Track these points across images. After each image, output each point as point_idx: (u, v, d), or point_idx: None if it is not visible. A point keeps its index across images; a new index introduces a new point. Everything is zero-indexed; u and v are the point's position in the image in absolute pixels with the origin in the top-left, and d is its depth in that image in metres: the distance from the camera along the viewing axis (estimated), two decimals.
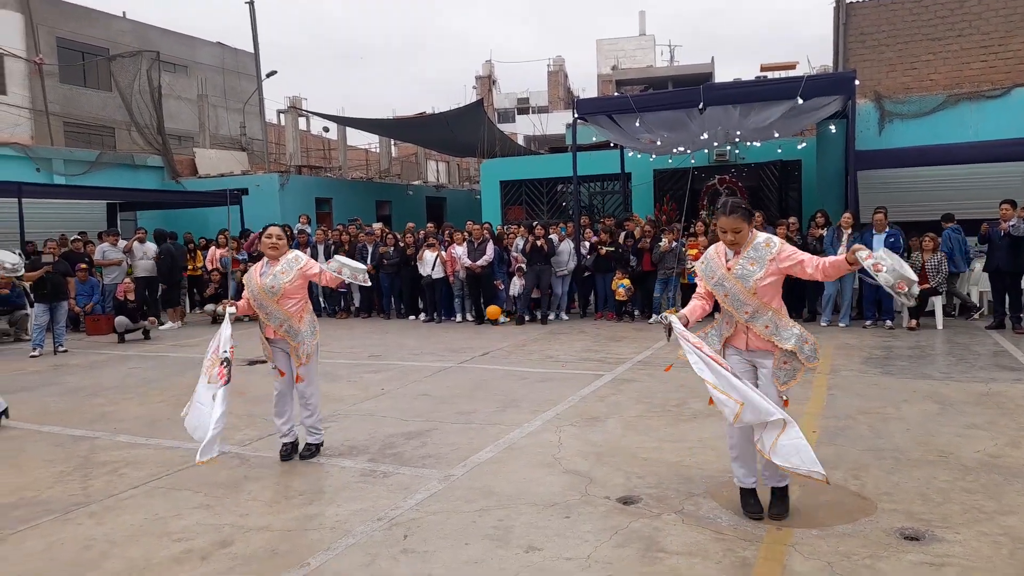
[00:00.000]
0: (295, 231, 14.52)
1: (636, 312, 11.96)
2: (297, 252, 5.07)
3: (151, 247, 13.05)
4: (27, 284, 10.99)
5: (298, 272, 4.92)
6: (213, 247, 14.37)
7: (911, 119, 12.94)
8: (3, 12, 23.65)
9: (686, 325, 3.74)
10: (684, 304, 11.74)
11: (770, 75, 17.76)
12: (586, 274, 12.31)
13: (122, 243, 13.21)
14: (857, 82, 11.12)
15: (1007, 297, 9.81)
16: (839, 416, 5.71)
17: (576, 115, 12.82)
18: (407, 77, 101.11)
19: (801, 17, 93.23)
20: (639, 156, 15.53)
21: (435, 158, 30.98)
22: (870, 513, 3.82)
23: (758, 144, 14.61)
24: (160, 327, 12.51)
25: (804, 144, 15.18)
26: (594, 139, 16.29)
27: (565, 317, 12.31)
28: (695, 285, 4.09)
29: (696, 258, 10.88)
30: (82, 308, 12.35)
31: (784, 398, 3.78)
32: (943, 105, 12.77)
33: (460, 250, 12.10)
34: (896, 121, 13.04)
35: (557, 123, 33.06)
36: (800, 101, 10.75)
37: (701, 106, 11.21)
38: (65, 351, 10.36)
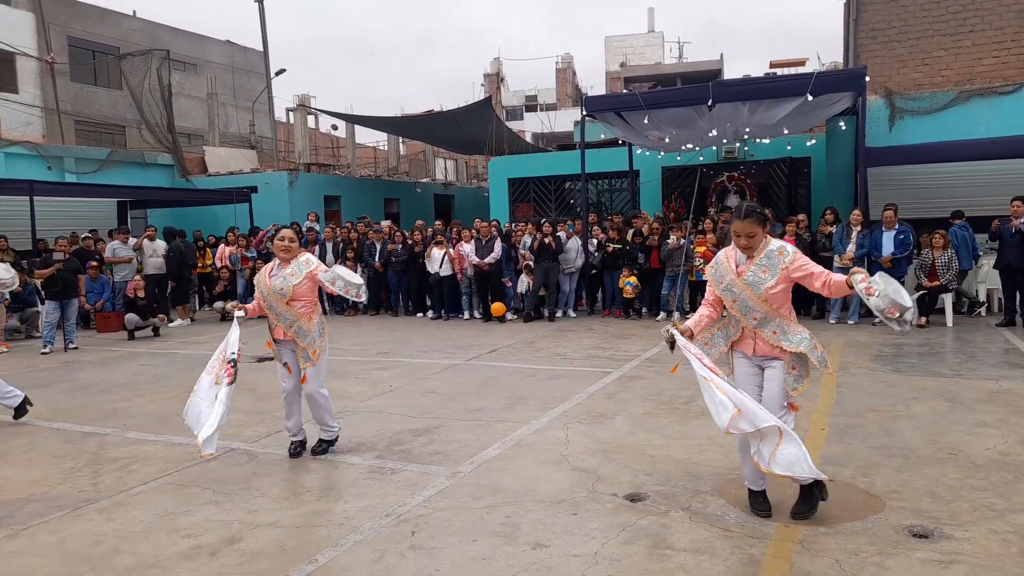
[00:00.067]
0: (304, 229, 14.57)
1: (644, 309, 11.95)
2: (309, 255, 5.07)
3: (161, 245, 13.13)
4: (38, 281, 11.08)
5: (307, 275, 4.94)
6: (222, 245, 14.43)
7: (922, 115, 12.85)
8: (15, 11, 23.83)
9: (690, 338, 3.78)
10: (692, 301, 11.76)
11: (780, 72, 17.68)
12: (594, 271, 12.30)
13: (132, 241, 13.29)
14: (867, 78, 11.05)
15: (1018, 294, 9.75)
16: (848, 414, 5.68)
17: (584, 112, 12.81)
18: (416, 74, 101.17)
19: (811, 13, 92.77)
20: (647, 153, 15.48)
21: (443, 156, 31.01)
22: (879, 511, 3.81)
23: (767, 141, 14.55)
24: (169, 324, 12.58)
25: (814, 141, 15.10)
26: (602, 136, 16.26)
27: (573, 314, 12.30)
28: (703, 282, 4.09)
29: (704, 255, 10.91)
30: (92, 305, 12.43)
31: (790, 401, 3.77)
32: (954, 101, 12.67)
33: (468, 248, 12.12)
34: (907, 117, 12.95)
35: (565, 120, 33.01)
36: (810, 98, 10.69)
37: (710, 103, 11.17)
38: (76, 348, 10.44)
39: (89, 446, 5.56)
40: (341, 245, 13.58)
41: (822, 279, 3.60)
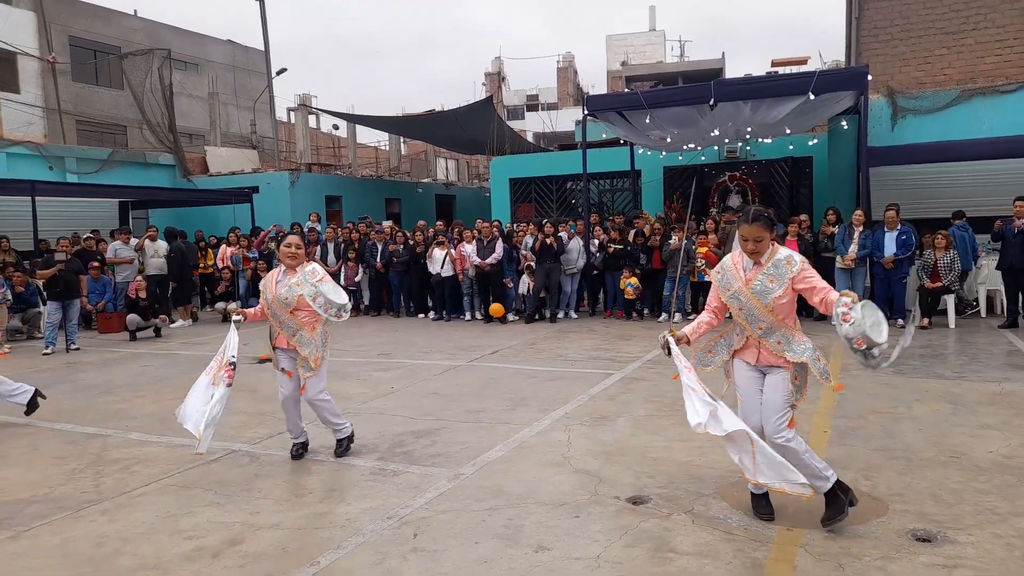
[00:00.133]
0: (305, 229, 14.57)
1: (645, 311, 11.93)
2: (315, 265, 5.03)
3: (162, 245, 13.13)
4: (40, 282, 11.09)
5: (311, 285, 4.91)
6: (224, 245, 14.44)
7: (924, 115, 12.82)
8: (16, 11, 23.84)
9: (688, 344, 3.83)
10: (694, 302, 11.72)
11: (781, 70, 17.69)
12: (595, 272, 12.29)
13: (134, 241, 13.30)
14: (870, 77, 11.03)
15: (1020, 296, 9.72)
16: (850, 416, 5.67)
17: (586, 112, 12.80)
18: (416, 74, 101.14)
19: (812, 9, 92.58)
20: (649, 153, 15.47)
21: (444, 156, 31.00)
22: (881, 514, 3.80)
23: (769, 140, 14.53)
24: (171, 325, 12.58)
25: (815, 140, 15.08)
26: (604, 136, 16.25)
27: (574, 315, 12.29)
28: (705, 283, 4.09)
29: (706, 256, 10.90)
30: (94, 306, 12.43)
31: (791, 416, 3.73)
32: (957, 100, 12.64)
33: (469, 248, 12.11)
34: (909, 117, 12.92)
35: (567, 120, 33.00)
36: (812, 97, 10.68)
37: (712, 102, 11.16)
38: (77, 349, 10.44)
39: (91, 447, 5.56)
40: (343, 245, 13.58)
41: (821, 295, 3.56)
